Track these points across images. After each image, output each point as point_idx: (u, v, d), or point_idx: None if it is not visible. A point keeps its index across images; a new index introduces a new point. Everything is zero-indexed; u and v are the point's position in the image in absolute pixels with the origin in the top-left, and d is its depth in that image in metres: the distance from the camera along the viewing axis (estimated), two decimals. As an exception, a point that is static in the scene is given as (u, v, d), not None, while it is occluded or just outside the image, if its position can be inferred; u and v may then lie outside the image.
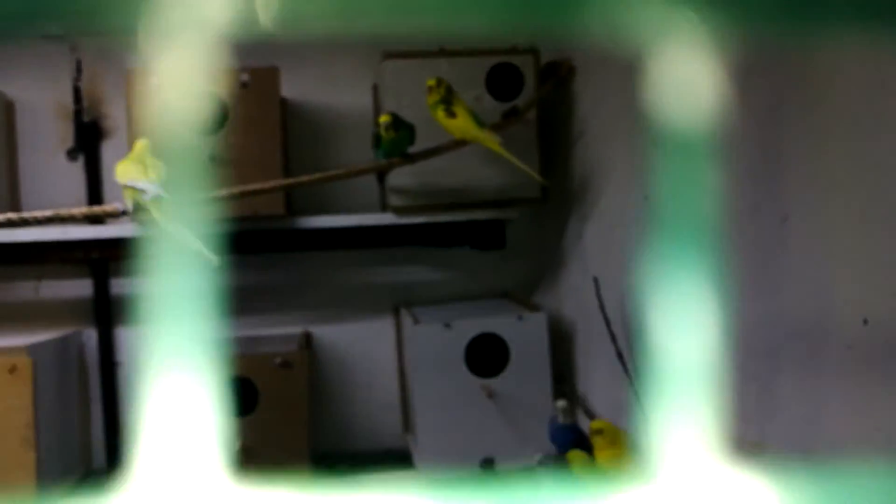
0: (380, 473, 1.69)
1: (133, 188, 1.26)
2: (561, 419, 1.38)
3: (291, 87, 1.82)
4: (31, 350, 1.53)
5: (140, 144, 1.35)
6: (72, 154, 1.82)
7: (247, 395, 1.56)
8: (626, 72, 1.47)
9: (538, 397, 1.65)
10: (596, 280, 1.57)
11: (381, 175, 1.72)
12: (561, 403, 1.39)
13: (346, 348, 1.93)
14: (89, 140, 1.80)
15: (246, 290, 1.88)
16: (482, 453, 1.62)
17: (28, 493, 1.49)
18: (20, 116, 1.80)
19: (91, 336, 1.84)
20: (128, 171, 1.27)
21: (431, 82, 1.47)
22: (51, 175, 1.81)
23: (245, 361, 1.55)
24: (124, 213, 1.34)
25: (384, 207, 1.78)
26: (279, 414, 1.55)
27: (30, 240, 1.63)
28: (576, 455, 1.23)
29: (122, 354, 1.85)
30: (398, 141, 1.49)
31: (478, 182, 1.67)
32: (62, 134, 1.82)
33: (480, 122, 1.48)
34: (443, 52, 1.64)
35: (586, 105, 1.68)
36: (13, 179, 1.79)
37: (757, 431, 1.08)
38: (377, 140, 1.52)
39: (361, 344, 1.93)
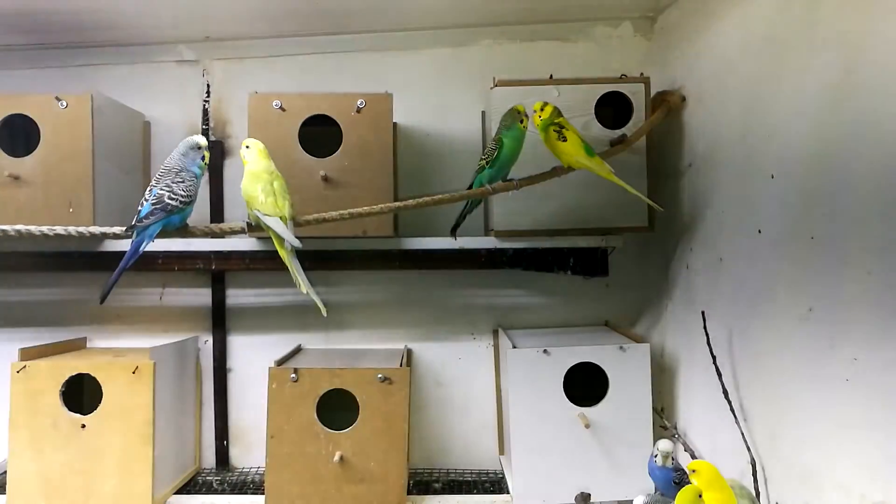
0: (476, 496, 1.70)
1: (271, 229, 1.32)
2: (661, 462, 1.34)
3: (403, 113, 1.88)
4: (153, 353, 1.63)
5: (262, 167, 1.42)
6: (199, 170, 1.94)
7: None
8: (738, 103, 1.43)
9: (637, 431, 1.61)
10: (703, 313, 1.53)
11: (470, 204, 1.64)
12: (664, 446, 1.35)
13: (445, 366, 1.96)
14: (215, 158, 1.92)
15: (352, 306, 1.95)
16: (577, 483, 1.60)
17: (144, 487, 1.58)
18: (155, 135, 1.95)
19: (207, 342, 1.95)
20: (264, 204, 1.34)
21: (536, 106, 1.48)
22: (179, 189, 1.94)
23: (348, 375, 1.59)
24: (243, 230, 1.42)
25: (487, 231, 1.80)
26: (379, 428, 1.59)
27: (155, 250, 1.74)
28: (687, 491, 1.16)
29: (234, 361, 1.95)
30: (513, 155, 1.48)
31: (582, 209, 1.66)
32: (191, 152, 1.95)
33: (590, 150, 1.47)
34: (553, 80, 1.65)
35: (697, 135, 1.65)
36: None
37: (880, 491, 0.99)
38: (496, 150, 1.48)
39: (460, 363, 1.96)
